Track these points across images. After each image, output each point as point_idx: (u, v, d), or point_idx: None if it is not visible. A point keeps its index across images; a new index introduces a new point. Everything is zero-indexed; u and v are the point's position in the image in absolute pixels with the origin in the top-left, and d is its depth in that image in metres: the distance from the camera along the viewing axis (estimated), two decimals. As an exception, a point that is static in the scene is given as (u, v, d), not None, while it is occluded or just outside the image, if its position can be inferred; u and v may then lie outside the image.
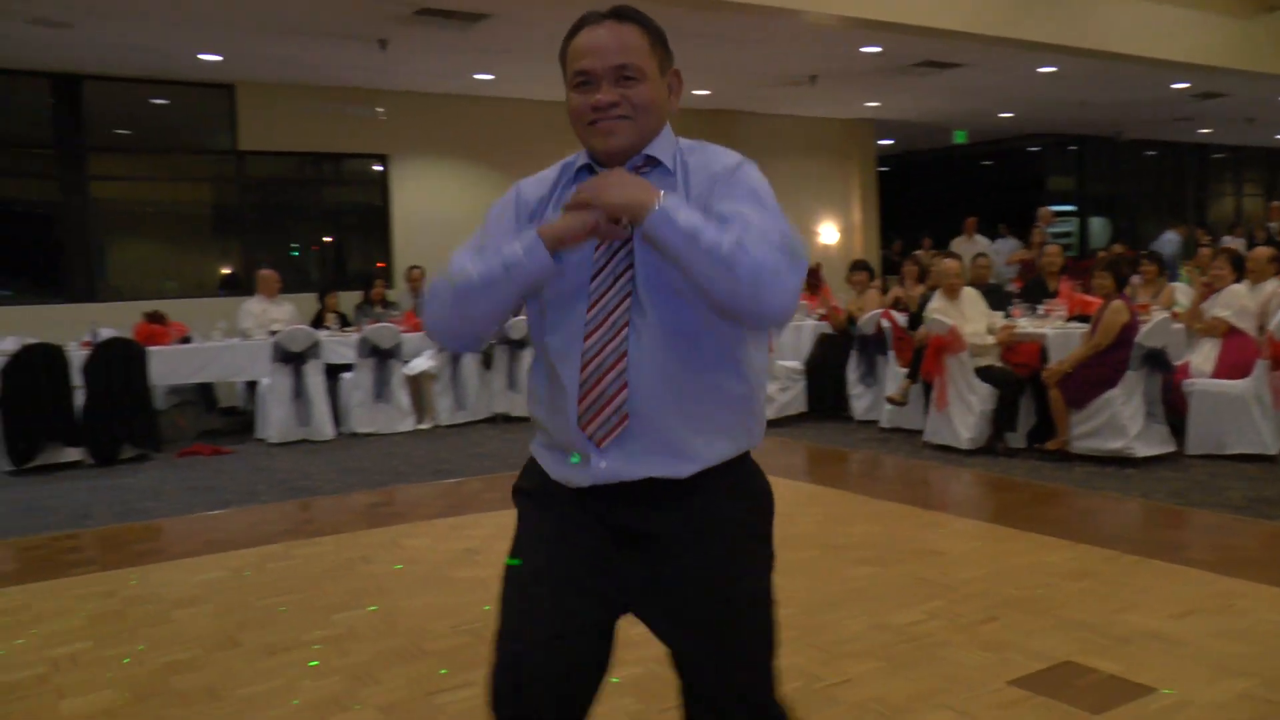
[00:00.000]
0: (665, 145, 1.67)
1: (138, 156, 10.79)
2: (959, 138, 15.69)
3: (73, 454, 7.35)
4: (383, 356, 8.50)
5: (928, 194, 18.19)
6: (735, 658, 1.65)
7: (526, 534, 1.71)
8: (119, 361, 7.51)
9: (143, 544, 5.12)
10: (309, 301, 9.67)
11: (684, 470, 1.61)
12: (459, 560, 4.56)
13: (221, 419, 9.14)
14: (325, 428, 8.21)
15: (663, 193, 1.49)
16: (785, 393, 8.34)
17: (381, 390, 8.51)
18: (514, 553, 1.70)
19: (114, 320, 8.39)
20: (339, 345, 8.54)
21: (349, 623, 3.78)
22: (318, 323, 9.20)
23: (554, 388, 1.64)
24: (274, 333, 8.26)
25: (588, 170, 1.69)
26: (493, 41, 8.87)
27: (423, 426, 8.68)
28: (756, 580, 1.68)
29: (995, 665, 3.16)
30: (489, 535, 4.93)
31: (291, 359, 8.10)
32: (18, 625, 3.90)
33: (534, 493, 1.72)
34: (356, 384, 8.45)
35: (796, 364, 8.56)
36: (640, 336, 1.58)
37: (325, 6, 7.59)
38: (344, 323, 9.33)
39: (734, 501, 1.67)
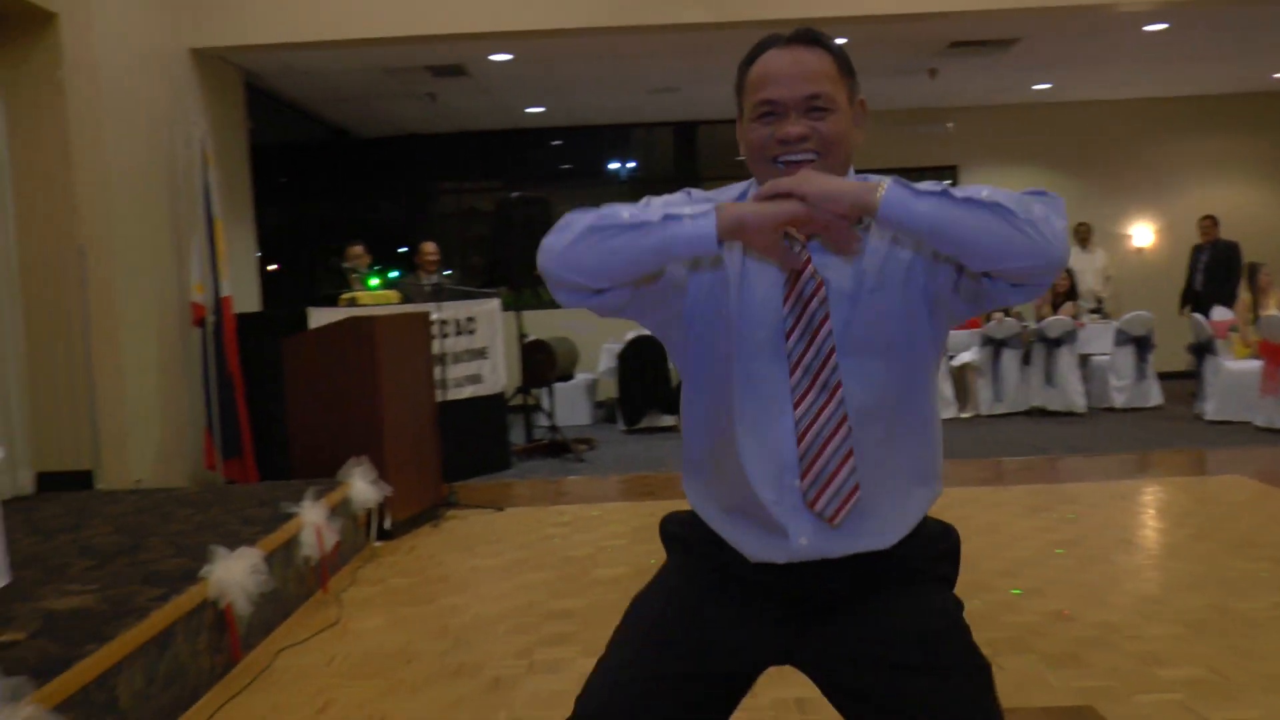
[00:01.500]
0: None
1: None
2: None
3: (669, 420, 9.52)
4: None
5: None
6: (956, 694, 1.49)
7: (674, 586, 1.66)
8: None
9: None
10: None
11: (889, 539, 1.56)
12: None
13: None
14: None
15: (884, 180, 1.41)
16: None
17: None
18: (648, 595, 1.67)
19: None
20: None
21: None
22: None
23: (740, 456, 1.54)
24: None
25: None
26: (1034, 59, 9.46)
27: (964, 415, 9.61)
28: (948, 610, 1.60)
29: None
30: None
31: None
32: (591, 527, 5.78)
33: (692, 545, 1.68)
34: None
35: None
36: (851, 397, 1.49)
37: (871, 49, 8.83)
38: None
39: (927, 550, 1.62)
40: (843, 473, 1.49)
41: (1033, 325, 9.61)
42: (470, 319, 7.60)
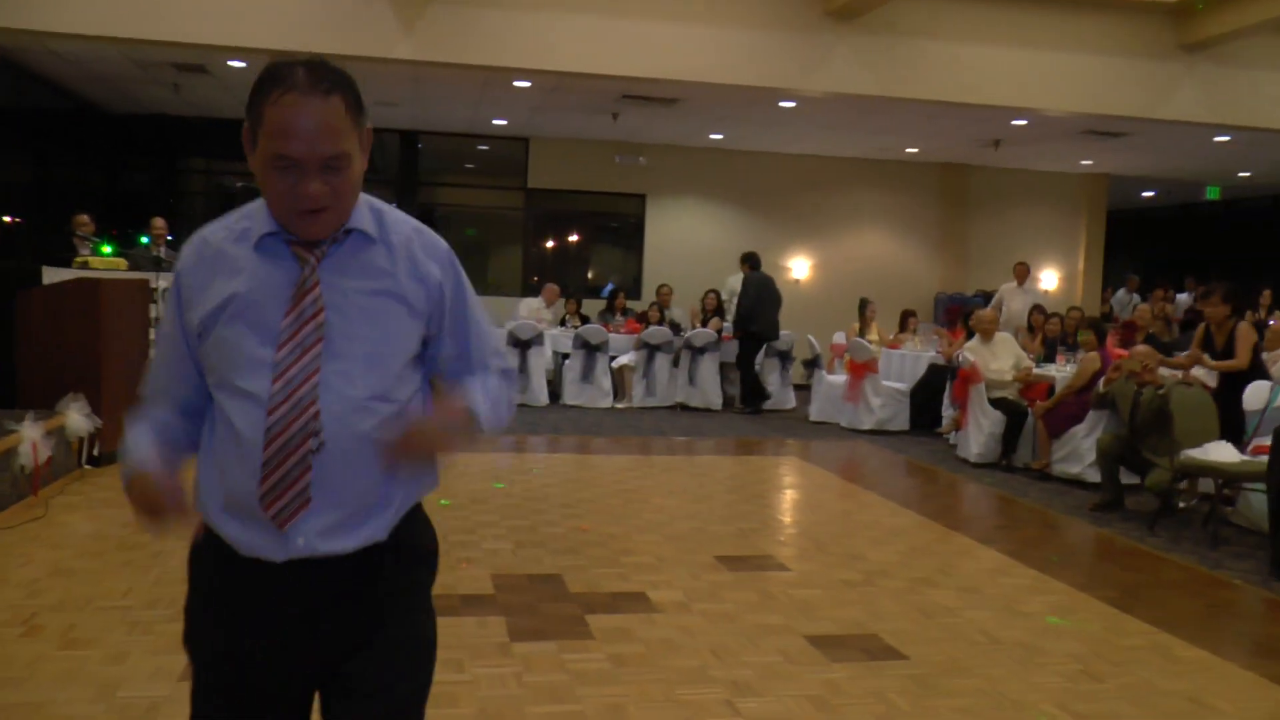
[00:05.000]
0: (362, 211, 1.65)
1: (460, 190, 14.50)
2: (1211, 193, 15.98)
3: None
4: (591, 350, 11.31)
5: (1177, 246, 18.49)
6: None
7: None
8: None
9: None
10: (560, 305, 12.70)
11: (381, 534, 1.69)
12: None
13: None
14: (541, 396, 11.16)
15: (469, 407, 1.69)
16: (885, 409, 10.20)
17: (589, 374, 11.33)
18: None
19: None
20: (561, 338, 11.47)
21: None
22: (564, 321, 12.19)
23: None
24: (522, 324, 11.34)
25: (273, 239, 1.62)
26: (702, 115, 11.40)
27: (619, 405, 11.38)
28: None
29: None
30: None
31: (521, 344, 11.11)
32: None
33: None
34: (571, 368, 11.34)
35: (903, 385, 10.36)
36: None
37: (559, 92, 10.43)
38: (585, 321, 12.24)
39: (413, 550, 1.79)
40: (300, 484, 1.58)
41: (684, 334, 11.50)
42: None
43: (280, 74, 1.55)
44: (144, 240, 9.69)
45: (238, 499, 1.61)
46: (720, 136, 13.07)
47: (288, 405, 1.57)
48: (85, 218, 9.38)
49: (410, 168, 13.91)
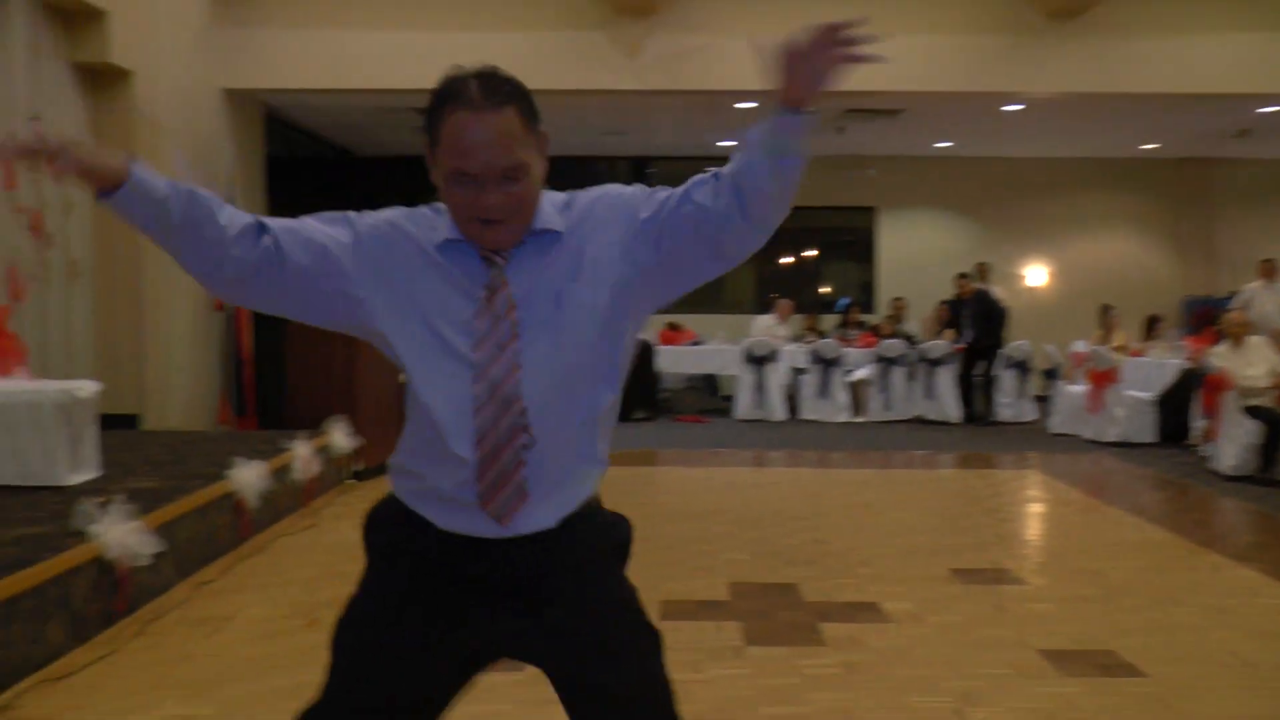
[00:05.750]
0: (546, 211, 1.66)
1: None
2: None
3: (642, 413, 11.33)
4: (827, 364, 11.43)
5: None
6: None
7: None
8: (638, 353, 11.36)
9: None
10: (796, 321, 12.87)
11: (560, 516, 1.68)
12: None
13: (720, 400, 12.69)
14: (778, 411, 11.37)
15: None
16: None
17: (825, 389, 11.44)
18: None
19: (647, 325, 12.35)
20: (797, 354, 11.64)
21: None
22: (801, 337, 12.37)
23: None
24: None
25: (454, 245, 1.65)
26: (924, 125, 11.33)
27: (856, 420, 11.43)
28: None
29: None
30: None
31: (756, 360, 11.36)
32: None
33: (385, 544, 1.80)
34: (807, 383, 11.49)
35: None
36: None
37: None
38: (821, 337, 12.37)
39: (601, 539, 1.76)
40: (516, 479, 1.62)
41: (919, 347, 11.42)
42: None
43: (454, 89, 1.58)
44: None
45: (449, 494, 1.67)
46: (948, 144, 12.90)
47: (494, 405, 1.62)
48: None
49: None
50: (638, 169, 14.27)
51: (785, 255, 14.93)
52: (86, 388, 5.30)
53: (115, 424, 7.39)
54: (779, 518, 6.42)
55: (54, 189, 6.87)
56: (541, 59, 9.06)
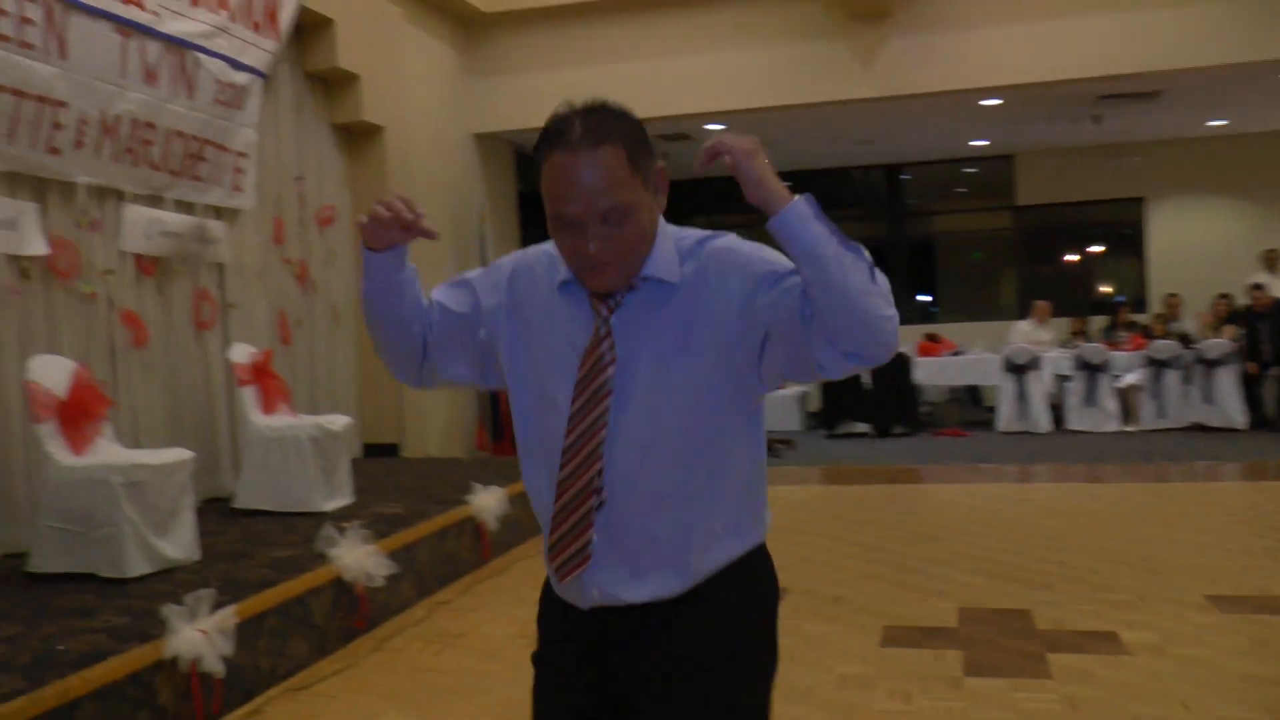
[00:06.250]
0: (662, 255, 1.57)
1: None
2: None
3: (861, 427, 11.09)
4: (1093, 370, 10.68)
5: None
6: None
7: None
8: (894, 366, 11.05)
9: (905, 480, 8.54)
10: (1062, 325, 12.09)
11: (678, 588, 1.61)
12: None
13: (984, 412, 12.10)
14: (1042, 422, 10.73)
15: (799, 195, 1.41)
16: None
17: (1092, 396, 10.70)
18: None
19: (903, 337, 11.95)
20: (1060, 360, 10.94)
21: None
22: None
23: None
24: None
25: (573, 285, 1.60)
26: (1190, 103, 10.38)
27: (1128, 429, 10.60)
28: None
29: None
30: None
31: (1016, 369, 10.78)
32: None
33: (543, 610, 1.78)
34: (1072, 390, 10.79)
35: None
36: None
37: (1031, 106, 10.07)
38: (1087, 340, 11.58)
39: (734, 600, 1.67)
40: (581, 540, 1.58)
41: (1196, 347, 10.46)
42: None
43: (556, 130, 1.53)
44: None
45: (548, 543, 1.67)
46: (1222, 122, 11.73)
47: (578, 459, 1.57)
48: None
49: (895, 200, 14.13)
50: (891, 176, 13.94)
51: (1047, 256, 14.09)
52: (339, 421, 5.78)
53: (378, 453, 8.03)
54: (1026, 537, 6.05)
55: (318, 242, 7.56)
56: (777, 74, 9.07)
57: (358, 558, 4.53)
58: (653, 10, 9.28)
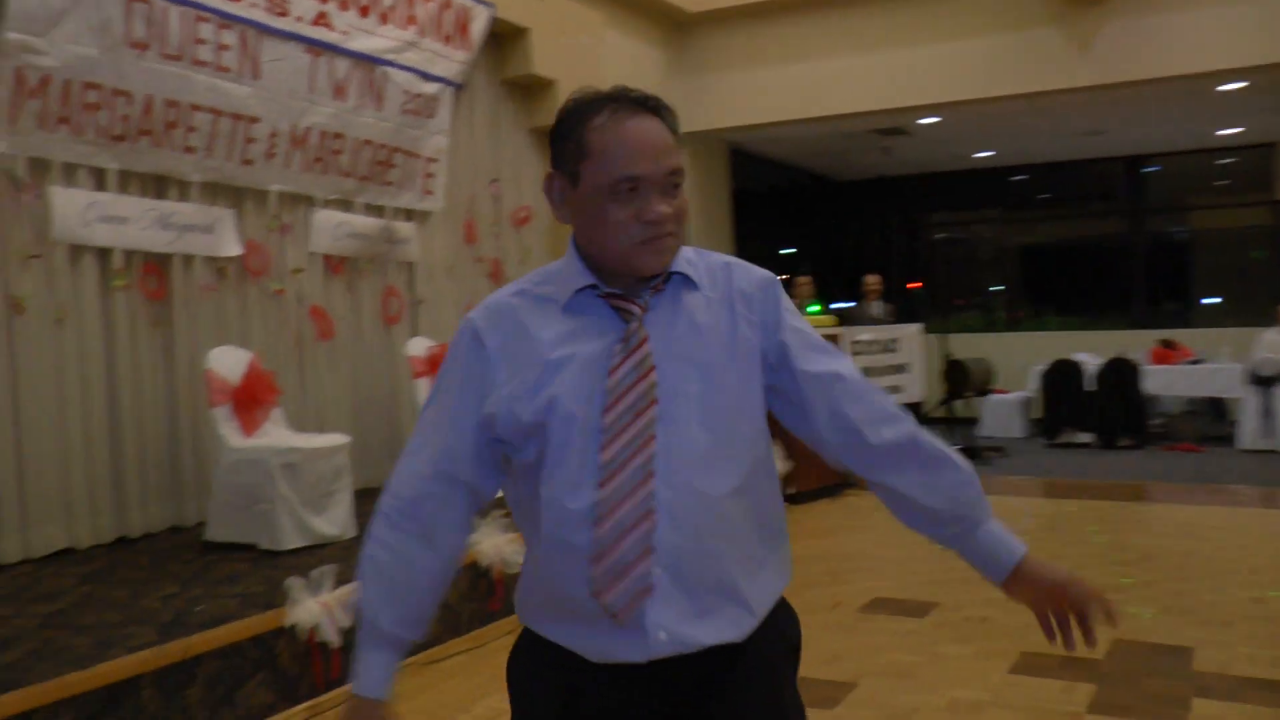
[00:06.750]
0: (682, 254, 1.49)
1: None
2: None
3: (1084, 436, 10.39)
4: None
5: None
6: None
7: None
8: (1122, 374, 10.29)
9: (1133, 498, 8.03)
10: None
11: (744, 629, 1.46)
12: None
13: (1226, 427, 11.05)
14: (1293, 441, 9.69)
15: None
16: None
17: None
18: None
19: (1138, 342, 11.11)
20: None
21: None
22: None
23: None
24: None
25: (585, 296, 1.46)
26: None
27: None
28: None
29: None
30: None
31: (1263, 381, 9.78)
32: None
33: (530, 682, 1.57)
34: (1330, 406, 9.67)
35: None
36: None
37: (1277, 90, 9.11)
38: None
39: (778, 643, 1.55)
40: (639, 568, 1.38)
41: None
42: (893, 340, 9.22)
43: (598, 101, 1.44)
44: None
45: (571, 595, 1.43)
46: None
47: (621, 477, 1.38)
48: (806, 279, 10.55)
49: (1137, 195, 13.11)
50: (1131, 168, 12.94)
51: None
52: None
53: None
54: (1224, 569, 5.53)
55: (513, 241, 7.89)
56: (990, 64, 8.67)
57: (496, 544, 4.74)
58: (860, 4, 9.10)
